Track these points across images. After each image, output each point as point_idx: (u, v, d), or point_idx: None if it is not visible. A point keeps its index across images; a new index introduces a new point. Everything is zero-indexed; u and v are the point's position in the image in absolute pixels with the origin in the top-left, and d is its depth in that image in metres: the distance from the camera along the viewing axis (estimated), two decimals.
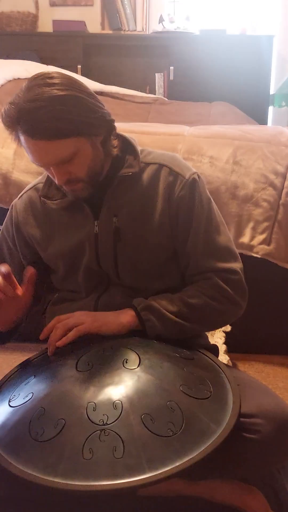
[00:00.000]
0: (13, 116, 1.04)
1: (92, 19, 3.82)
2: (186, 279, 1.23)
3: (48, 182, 1.24)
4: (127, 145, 1.21)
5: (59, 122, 1.03)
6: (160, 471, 0.85)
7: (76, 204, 1.19)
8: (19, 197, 1.30)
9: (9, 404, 1.01)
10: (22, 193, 1.31)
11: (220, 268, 1.17)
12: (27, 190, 1.29)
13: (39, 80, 1.05)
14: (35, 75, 1.07)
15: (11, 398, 1.03)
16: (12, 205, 1.31)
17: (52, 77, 1.05)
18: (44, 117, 1.01)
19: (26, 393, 1.00)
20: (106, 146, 1.15)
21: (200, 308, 1.15)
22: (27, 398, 0.99)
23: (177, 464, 0.87)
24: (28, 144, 1.05)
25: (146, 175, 1.20)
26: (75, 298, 1.26)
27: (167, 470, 0.86)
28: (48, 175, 1.21)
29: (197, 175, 1.21)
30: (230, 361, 1.81)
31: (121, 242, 1.19)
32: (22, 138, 1.06)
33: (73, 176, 1.11)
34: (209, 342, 1.31)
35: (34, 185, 1.29)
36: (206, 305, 1.15)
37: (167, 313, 1.13)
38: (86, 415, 0.91)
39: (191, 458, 0.87)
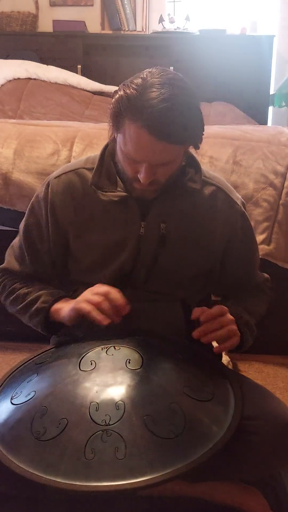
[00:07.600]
0: (134, 106, 0.99)
1: (92, 19, 3.81)
2: (233, 288, 1.32)
3: (98, 171, 1.18)
4: (188, 156, 1.20)
5: (188, 129, 1.02)
6: (161, 473, 0.85)
7: (126, 200, 1.16)
8: (56, 177, 1.23)
9: (11, 402, 1.01)
10: (59, 173, 1.24)
11: (267, 278, 1.38)
12: (66, 172, 1.23)
13: (168, 78, 1.01)
14: (159, 70, 1.03)
15: (13, 395, 1.02)
16: (48, 184, 1.23)
17: (180, 79, 1.03)
18: (177, 121, 0.99)
19: (29, 391, 1.00)
20: (185, 155, 1.15)
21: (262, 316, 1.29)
22: (29, 396, 0.98)
23: (179, 466, 0.87)
24: (142, 139, 1.01)
25: (203, 194, 1.21)
26: None
27: (169, 472, 0.86)
28: (99, 164, 1.18)
29: (242, 201, 1.29)
30: (230, 361, 1.81)
31: (164, 249, 1.18)
32: (134, 129, 1.01)
33: (157, 178, 1.09)
34: (213, 345, 1.32)
35: (75, 169, 1.22)
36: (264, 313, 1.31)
37: (254, 328, 1.20)
38: (89, 415, 0.90)
39: (192, 461, 0.88)
